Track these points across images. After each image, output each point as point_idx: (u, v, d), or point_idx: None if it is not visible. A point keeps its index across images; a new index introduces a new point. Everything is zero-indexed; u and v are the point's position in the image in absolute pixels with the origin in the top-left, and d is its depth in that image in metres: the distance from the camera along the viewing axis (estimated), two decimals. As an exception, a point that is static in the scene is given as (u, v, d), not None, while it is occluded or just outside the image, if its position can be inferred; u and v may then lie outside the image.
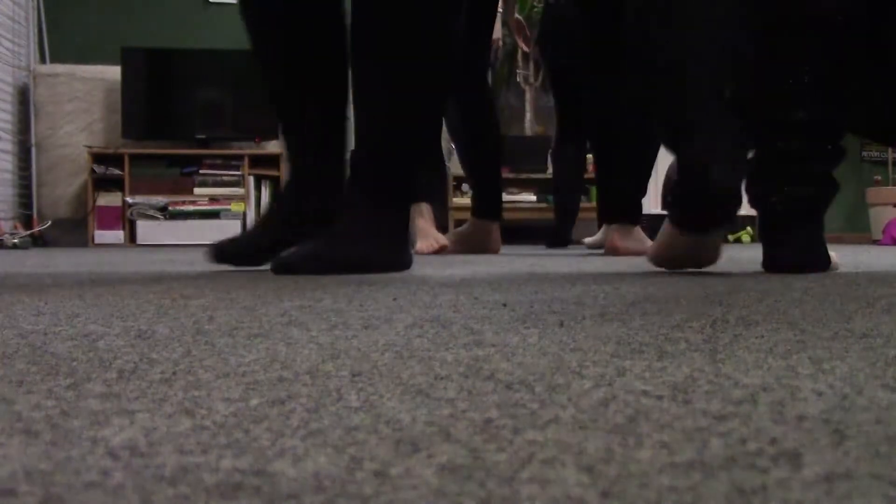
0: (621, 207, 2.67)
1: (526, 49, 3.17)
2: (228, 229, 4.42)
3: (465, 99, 2.67)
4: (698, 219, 1.40)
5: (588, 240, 3.39)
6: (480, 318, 0.70)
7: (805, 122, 1.47)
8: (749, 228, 5.18)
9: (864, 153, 5.99)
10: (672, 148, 1.44)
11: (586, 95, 2.90)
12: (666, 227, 1.47)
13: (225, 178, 4.74)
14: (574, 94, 3.29)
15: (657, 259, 1.52)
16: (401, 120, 1.47)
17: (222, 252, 1.59)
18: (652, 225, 4.41)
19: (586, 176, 3.85)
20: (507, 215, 5.12)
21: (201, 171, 4.67)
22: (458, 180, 4.99)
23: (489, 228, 2.81)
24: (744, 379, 0.42)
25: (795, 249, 1.50)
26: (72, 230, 4.64)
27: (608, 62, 2.53)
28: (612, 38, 2.42)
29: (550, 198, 5.12)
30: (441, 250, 2.67)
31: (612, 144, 2.64)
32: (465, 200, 4.93)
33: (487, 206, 2.81)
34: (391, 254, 1.48)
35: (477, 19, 2.65)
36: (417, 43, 1.43)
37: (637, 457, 0.28)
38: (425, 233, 2.70)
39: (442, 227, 2.89)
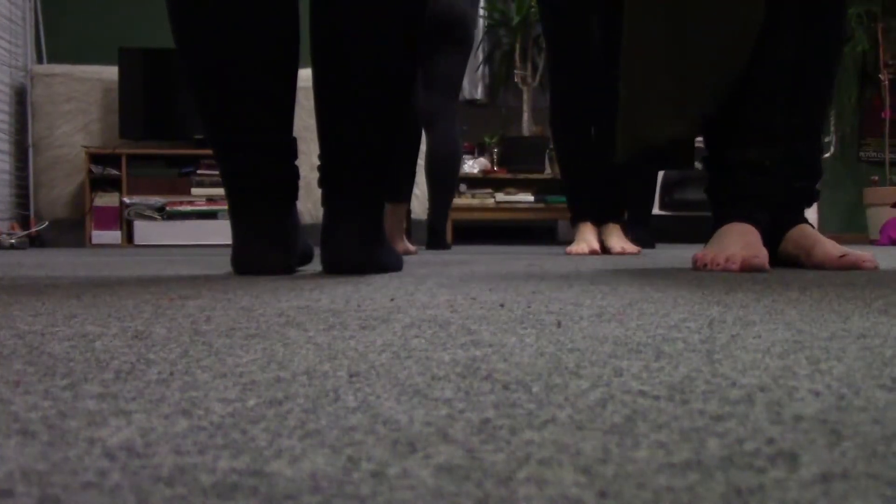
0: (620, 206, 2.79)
1: None
2: (226, 230, 4.42)
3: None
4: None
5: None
6: (478, 319, 0.70)
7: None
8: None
9: (862, 153, 6.00)
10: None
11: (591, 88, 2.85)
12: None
13: (222, 179, 4.73)
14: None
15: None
16: (373, 123, 1.39)
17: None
18: (657, 225, 4.33)
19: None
20: (505, 215, 5.15)
21: (199, 172, 4.66)
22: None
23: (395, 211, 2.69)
24: (741, 379, 0.42)
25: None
26: (69, 230, 4.64)
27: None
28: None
29: (548, 198, 5.12)
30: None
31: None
32: (464, 200, 4.93)
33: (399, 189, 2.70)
34: (391, 255, 1.48)
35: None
36: (387, 43, 1.37)
37: (634, 457, 0.28)
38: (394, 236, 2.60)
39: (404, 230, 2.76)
